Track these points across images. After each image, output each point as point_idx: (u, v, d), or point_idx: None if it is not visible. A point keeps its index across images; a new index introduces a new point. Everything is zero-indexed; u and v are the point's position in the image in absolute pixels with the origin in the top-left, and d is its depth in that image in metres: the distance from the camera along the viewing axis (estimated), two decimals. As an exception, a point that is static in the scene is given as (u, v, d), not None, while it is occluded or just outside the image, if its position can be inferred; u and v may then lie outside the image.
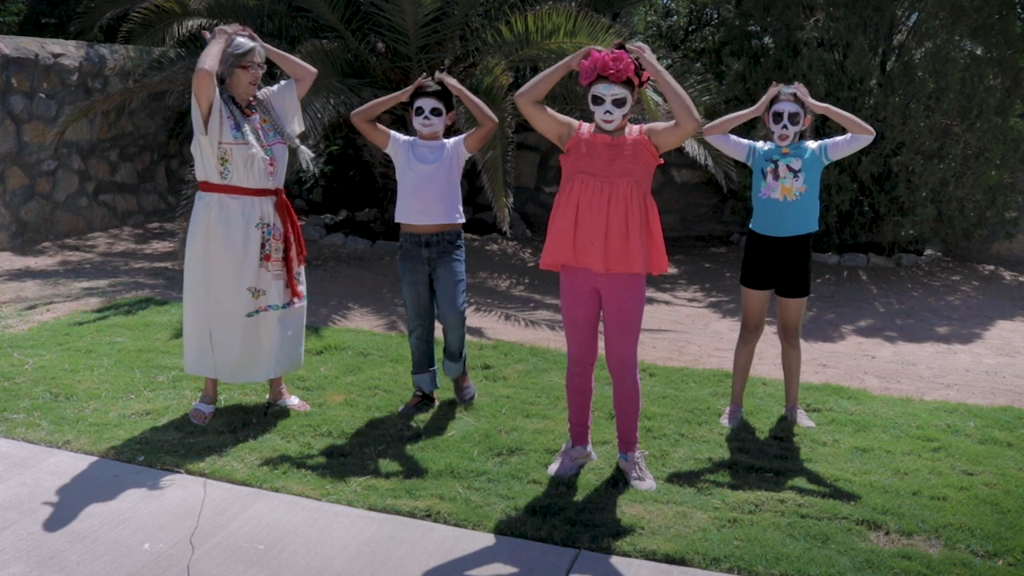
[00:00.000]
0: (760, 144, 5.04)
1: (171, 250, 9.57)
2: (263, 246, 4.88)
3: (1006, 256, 10.67)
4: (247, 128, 4.76)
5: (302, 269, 5.12)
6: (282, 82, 5.04)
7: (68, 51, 9.90)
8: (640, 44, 4.14)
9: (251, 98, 4.88)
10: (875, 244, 10.35)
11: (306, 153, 5.10)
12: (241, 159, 4.73)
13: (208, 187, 4.81)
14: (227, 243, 4.79)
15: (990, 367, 6.57)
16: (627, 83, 4.10)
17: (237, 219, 4.79)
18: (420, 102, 4.99)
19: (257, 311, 4.93)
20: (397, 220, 5.09)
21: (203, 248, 4.84)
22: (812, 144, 4.96)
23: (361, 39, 9.24)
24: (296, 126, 5.04)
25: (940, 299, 8.70)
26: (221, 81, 4.77)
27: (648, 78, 4.15)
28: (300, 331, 5.17)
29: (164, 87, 9.51)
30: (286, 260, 4.97)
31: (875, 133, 4.82)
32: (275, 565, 3.64)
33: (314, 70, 5.04)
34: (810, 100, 4.91)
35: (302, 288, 5.10)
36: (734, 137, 5.05)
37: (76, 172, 10.08)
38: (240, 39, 4.76)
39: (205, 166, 4.78)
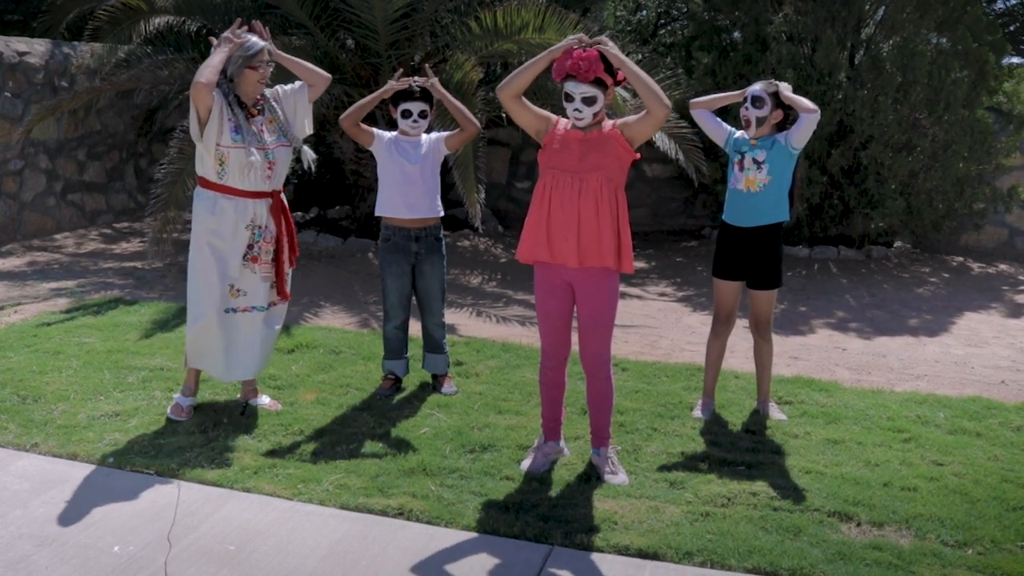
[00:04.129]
0: (737, 132, 5.07)
1: (140, 250, 9.48)
2: (251, 247, 4.86)
3: (974, 248, 10.78)
4: (249, 131, 4.71)
5: (291, 271, 5.10)
6: (296, 83, 4.97)
7: (34, 49, 9.78)
8: (601, 38, 4.13)
9: (258, 96, 4.83)
10: (845, 237, 10.43)
11: (309, 154, 5.14)
12: (237, 163, 4.70)
13: (205, 184, 4.81)
14: (217, 240, 4.79)
15: (959, 358, 6.63)
16: (598, 82, 4.09)
17: (229, 218, 4.78)
18: (408, 105, 5.19)
19: (235, 310, 4.90)
20: (379, 213, 5.31)
21: (197, 243, 4.84)
22: (781, 136, 4.97)
23: (331, 36, 9.19)
24: (307, 128, 5.01)
25: (910, 291, 8.77)
26: (230, 80, 4.73)
27: (624, 78, 4.14)
28: (277, 331, 5.17)
29: (132, 85, 9.40)
30: (277, 262, 4.95)
31: (819, 110, 4.82)
32: (246, 566, 3.61)
33: (328, 75, 4.95)
34: (787, 94, 4.89)
35: (288, 289, 5.09)
36: (717, 117, 5.11)
37: (43, 171, 9.97)
38: (252, 39, 4.74)
39: (204, 164, 4.78)
